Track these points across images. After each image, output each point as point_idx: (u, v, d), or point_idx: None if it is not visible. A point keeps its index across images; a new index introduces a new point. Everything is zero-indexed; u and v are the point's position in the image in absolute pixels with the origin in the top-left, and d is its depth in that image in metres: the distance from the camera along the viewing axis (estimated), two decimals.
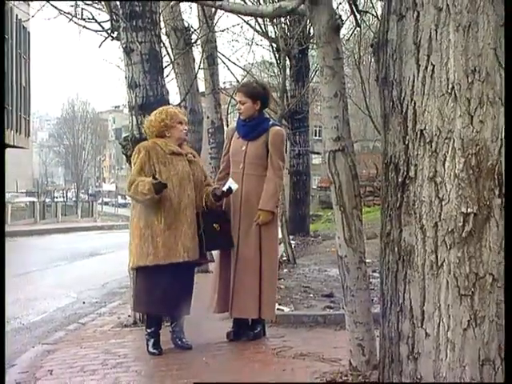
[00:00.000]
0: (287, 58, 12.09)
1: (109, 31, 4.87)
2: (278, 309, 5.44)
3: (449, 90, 1.94)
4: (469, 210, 1.92)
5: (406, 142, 2.01)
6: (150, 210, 4.05)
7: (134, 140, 5.00)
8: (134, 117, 5.03)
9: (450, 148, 1.94)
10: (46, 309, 6.98)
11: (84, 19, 5.63)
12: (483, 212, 1.92)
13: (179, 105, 8.17)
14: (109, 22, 5.15)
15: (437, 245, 1.95)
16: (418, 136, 1.99)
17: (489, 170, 1.92)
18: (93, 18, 5.59)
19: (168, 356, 4.08)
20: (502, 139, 1.92)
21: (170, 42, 8.42)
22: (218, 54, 9.90)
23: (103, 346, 4.38)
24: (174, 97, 9.79)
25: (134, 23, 4.90)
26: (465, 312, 1.91)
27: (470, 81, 1.93)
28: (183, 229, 4.06)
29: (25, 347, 4.73)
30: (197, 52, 9.84)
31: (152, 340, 4.06)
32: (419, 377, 1.96)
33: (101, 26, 5.32)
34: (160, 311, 4.16)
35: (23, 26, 34.25)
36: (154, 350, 4.01)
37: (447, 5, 1.94)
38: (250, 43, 13.55)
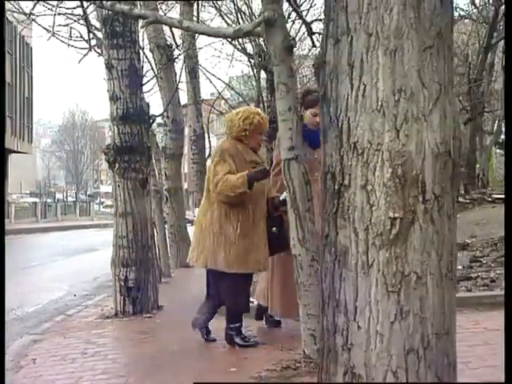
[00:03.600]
0: (263, 72, 12.11)
1: (92, 48, 4.83)
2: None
3: (378, 107, 1.95)
4: (395, 214, 1.92)
5: (341, 154, 2.01)
6: (227, 217, 3.76)
7: (115, 149, 4.99)
8: (115, 127, 5.01)
9: (379, 159, 1.94)
10: (41, 301, 6.93)
11: (71, 37, 5.60)
12: (408, 217, 1.93)
13: (161, 115, 8.15)
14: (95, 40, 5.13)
15: (368, 246, 1.95)
16: (352, 148, 1.99)
17: (413, 179, 1.93)
18: (81, 36, 5.57)
19: (142, 345, 4.07)
20: (425, 151, 1.93)
21: (153, 58, 8.40)
22: (201, 68, 9.90)
23: (85, 336, 4.36)
24: (158, 108, 9.78)
25: (115, 41, 4.89)
26: (392, 307, 1.92)
27: (396, 99, 1.93)
28: (256, 240, 3.80)
29: (16, 337, 4.70)
30: (179, 67, 9.84)
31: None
32: (352, 365, 1.96)
33: (88, 43, 5.29)
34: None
35: (26, 43, 34.03)
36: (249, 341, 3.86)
37: (376, 31, 1.95)
38: (231, 58, 13.57)
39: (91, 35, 4.77)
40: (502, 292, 4.96)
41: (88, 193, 66.95)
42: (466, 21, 18.65)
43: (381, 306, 1.93)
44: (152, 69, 8.32)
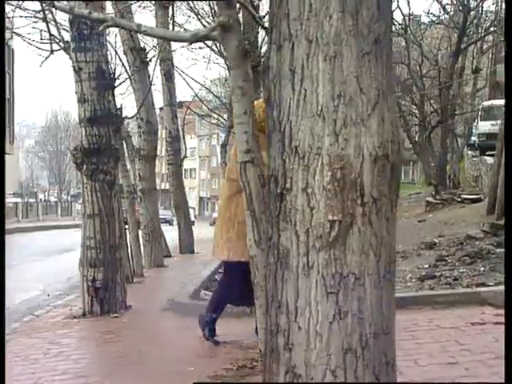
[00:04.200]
0: None
1: (53, 51, 4.77)
2: None
3: (318, 112, 1.95)
4: (334, 217, 1.93)
5: (284, 158, 2.01)
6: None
7: (82, 150, 4.94)
8: (83, 129, 4.97)
9: (320, 163, 1.94)
10: (15, 300, 6.84)
11: (42, 39, 5.53)
12: (347, 219, 1.93)
13: (134, 117, 8.10)
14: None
15: (308, 248, 1.95)
16: (294, 152, 1.99)
17: (352, 183, 1.93)
18: (50, 38, 5.50)
19: (106, 346, 4.03)
20: (363, 155, 1.94)
21: (127, 60, 8.35)
22: (178, 70, 9.87)
23: (50, 337, 4.32)
24: (133, 110, 9.72)
25: (82, 44, 4.84)
26: (331, 307, 1.92)
27: (335, 104, 1.94)
28: None
29: None
30: (156, 69, 9.79)
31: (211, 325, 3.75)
32: (293, 365, 1.96)
33: (50, 46, 5.24)
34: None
35: (7, 44, 33.64)
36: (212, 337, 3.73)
37: (316, 37, 1.95)
38: (207, 61, 13.53)
39: (59, 37, 4.71)
40: (462, 290, 5.02)
41: (71, 193, 66.35)
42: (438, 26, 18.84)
43: (320, 307, 1.94)
44: (126, 71, 8.27)
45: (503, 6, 12.34)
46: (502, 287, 4.65)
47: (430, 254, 8.62)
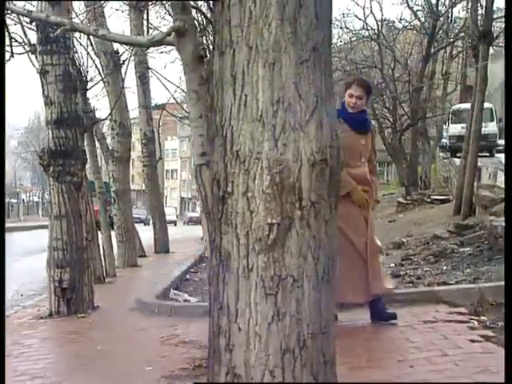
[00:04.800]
0: None
1: (13, 54, 4.71)
2: (185, 300, 5.37)
3: (258, 118, 1.95)
4: (273, 220, 1.93)
5: (226, 162, 2.01)
6: None
7: (49, 153, 4.88)
8: (50, 131, 4.91)
9: (259, 167, 1.94)
10: None
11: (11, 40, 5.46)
12: (285, 222, 1.93)
13: (106, 119, 8.03)
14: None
15: (248, 251, 1.95)
16: (235, 156, 1.98)
17: (290, 187, 1.94)
18: (10, 41, 5.43)
19: (69, 346, 3.98)
20: (301, 160, 1.94)
21: (100, 63, 8.28)
22: (154, 73, 9.80)
23: (15, 337, 4.26)
24: (107, 111, 9.64)
25: (49, 47, 4.79)
26: (269, 309, 1.92)
27: (275, 110, 1.94)
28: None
29: None
30: (131, 71, 9.72)
31: None
32: (233, 366, 1.96)
33: (11, 48, 5.17)
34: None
35: None
36: None
37: (256, 44, 1.95)
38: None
39: (24, 40, 4.66)
40: (419, 289, 5.05)
41: None
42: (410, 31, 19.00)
43: (259, 308, 1.94)
44: (100, 74, 8.20)
45: (471, 13, 12.48)
46: (458, 286, 4.71)
47: (397, 254, 8.68)
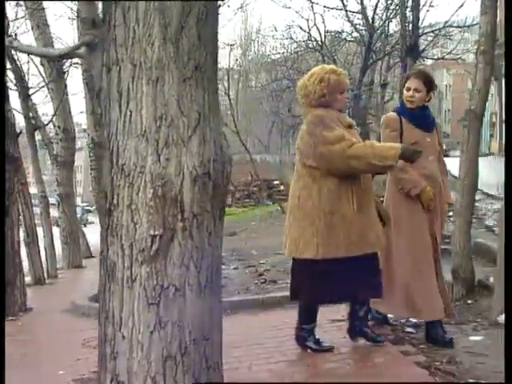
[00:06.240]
0: None
1: None
2: None
3: (142, 133, 1.93)
4: (156, 232, 1.91)
5: (112, 175, 1.98)
6: (341, 191, 2.94)
7: None
8: None
9: (143, 181, 1.92)
10: None
11: None
12: (168, 234, 1.92)
13: (48, 124, 7.83)
14: None
15: (132, 262, 1.93)
16: (120, 170, 1.96)
17: (172, 199, 1.92)
18: None
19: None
20: (183, 174, 1.93)
21: (44, 71, 8.08)
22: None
23: None
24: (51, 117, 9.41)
25: None
26: (152, 318, 1.91)
27: (158, 125, 1.92)
28: (372, 213, 3.03)
29: None
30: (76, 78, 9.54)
31: (312, 337, 3.09)
32: (117, 373, 1.93)
33: None
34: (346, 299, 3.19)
35: None
36: (324, 346, 3.07)
37: (140, 62, 1.93)
38: None
39: None
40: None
41: None
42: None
43: (142, 317, 1.92)
44: (44, 80, 8.01)
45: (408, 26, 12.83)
46: None
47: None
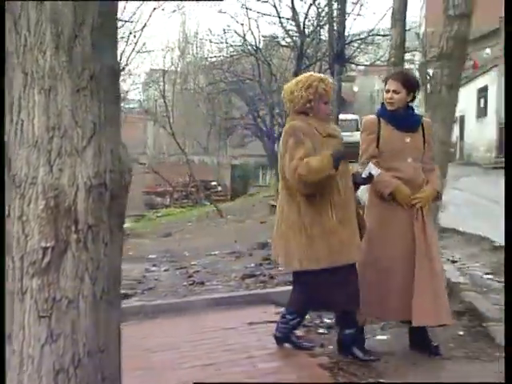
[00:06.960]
0: None
1: None
2: None
3: (34, 143, 1.87)
4: (48, 244, 1.86)
5: (5, 186, 1.90)
6: (319, 203, 2.95)
7: None
8: None
9: (34, 192, 1.86)
10: None
11: None
12: (61, 246, 1.87)
13: None
14: None
15: (23, 274, 1.87)
16: (12, 180, 1.89)
17: (66, 211, 1.87)
18: None
19: None
20: (78, 184, 1.88)
21: None
22: None
23: None
24: None
25: None
26: (43, 330, 1.85)
27: (50, 136, 1.87)
28: (351, 224, 3.03)
29: None
30: None
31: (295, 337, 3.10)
32: None
33: None
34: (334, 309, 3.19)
35: None
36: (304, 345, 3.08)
37: (32, 71, 1.87)
38: None
39: None
40: (254, 291, 5.15)
41: None
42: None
43: (33, 330, 1.86)
44: None
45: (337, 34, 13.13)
46: (287, 287, 4.86)
47: (259, 254, 8.86)
